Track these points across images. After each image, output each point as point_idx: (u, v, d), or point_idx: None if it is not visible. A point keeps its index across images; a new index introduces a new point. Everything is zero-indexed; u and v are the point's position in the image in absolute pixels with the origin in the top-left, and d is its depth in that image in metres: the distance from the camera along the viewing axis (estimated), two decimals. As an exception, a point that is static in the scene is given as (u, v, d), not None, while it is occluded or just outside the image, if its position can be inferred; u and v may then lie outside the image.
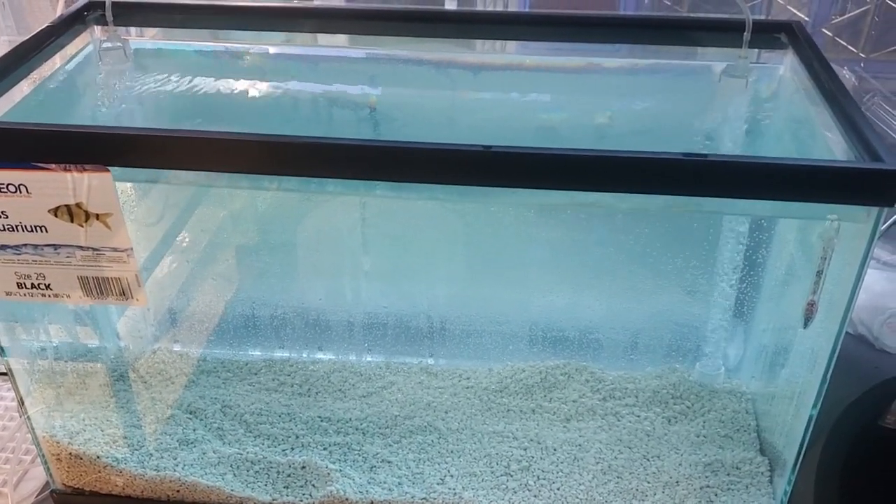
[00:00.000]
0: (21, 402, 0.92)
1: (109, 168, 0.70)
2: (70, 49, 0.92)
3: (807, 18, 1.63)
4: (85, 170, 0.71)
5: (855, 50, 1.58)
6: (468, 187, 0.69)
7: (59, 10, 1.29)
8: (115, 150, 0.69)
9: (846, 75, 1.49)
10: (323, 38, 1.02)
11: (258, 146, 0.67)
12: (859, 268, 0.69)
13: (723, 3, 0.84)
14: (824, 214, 0.68)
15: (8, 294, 0.80)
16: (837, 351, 0.74)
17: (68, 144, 0.69)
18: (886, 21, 1.57)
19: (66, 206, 0.73)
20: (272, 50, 1.01)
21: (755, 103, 0.87)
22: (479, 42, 1.03)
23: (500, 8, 1.71)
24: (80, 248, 0.76)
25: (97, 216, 0.74)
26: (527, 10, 1.82)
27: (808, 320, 0.73)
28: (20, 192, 0.73)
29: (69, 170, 0.71)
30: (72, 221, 0.74)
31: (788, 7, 1.63)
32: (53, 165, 0.71)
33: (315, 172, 0.69)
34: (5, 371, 0.89)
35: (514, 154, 0.65)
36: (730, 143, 0.85)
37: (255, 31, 0.98)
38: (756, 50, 0.92)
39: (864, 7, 1.58)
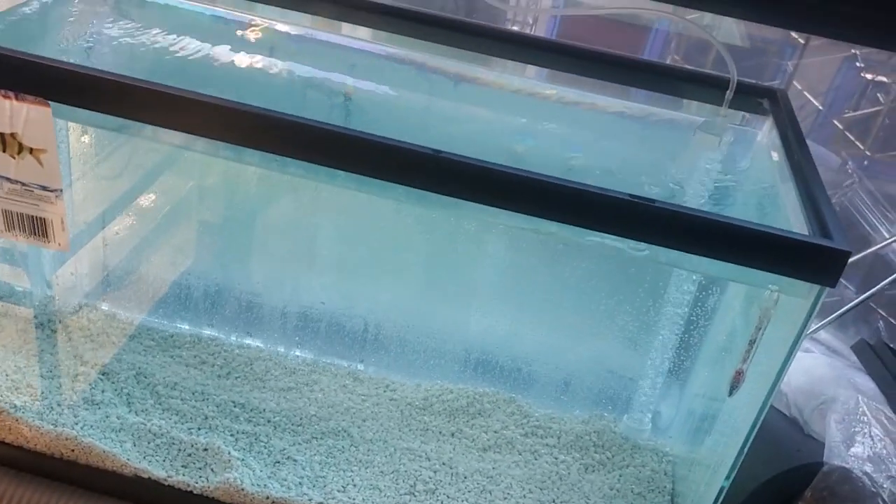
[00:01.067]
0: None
1: (50, 103, 0.68)
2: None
3: (821, 107, 1.63)
4: (25, 100, 0.68)
5: (861, 147, 1.59)
6: (419, 193, 0.67)
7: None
8: (58, 84, 0.67)
9: (848, 170, 1.50)
10: (328, 23, 0.99)
11: (193, 104, 0.65)
12: (792, 345, 0.67)
13: (741, 60, 0.84)
14: (768, 284, 0.66)
15: (-73, 216, 0.77)
16: (758, 426, 0.72)
17: (10, 70, 0.67)
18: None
19: (1, 133, 0.71)
20: (265, 24, 0.99)
21: (723, 162, 0.86)
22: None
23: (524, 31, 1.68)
24: (9, 179, 0.73)
25: (31, 150, 0.71)
26: (551, 36, 1.81)
27: (733, 389, 0.71)
28: (-44, 111, 0.70)
29: (8, 97, 0.68)
30: (3, 151, 0.71)
31: (805, 93, 1.64)
32: (-7, 89, 0.68)
33: (257, 145, 0.67)
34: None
35: (462, 164, 0.63)
36: (685, 197, 0.84)
37: (261, 2, 0.96)
38: (741, 113, 0.91)
39: (878, 107, 1.60)
